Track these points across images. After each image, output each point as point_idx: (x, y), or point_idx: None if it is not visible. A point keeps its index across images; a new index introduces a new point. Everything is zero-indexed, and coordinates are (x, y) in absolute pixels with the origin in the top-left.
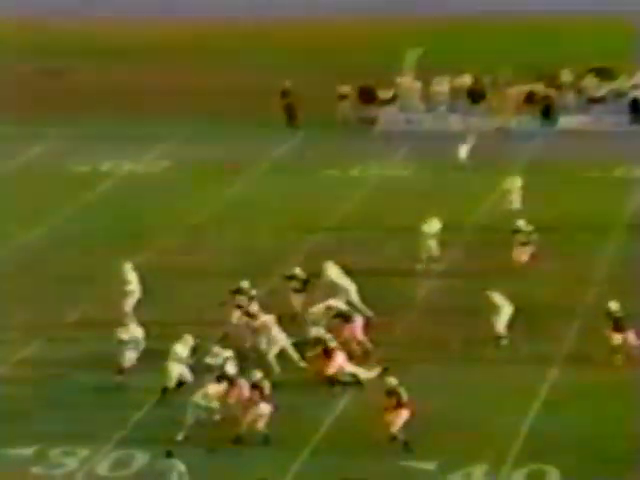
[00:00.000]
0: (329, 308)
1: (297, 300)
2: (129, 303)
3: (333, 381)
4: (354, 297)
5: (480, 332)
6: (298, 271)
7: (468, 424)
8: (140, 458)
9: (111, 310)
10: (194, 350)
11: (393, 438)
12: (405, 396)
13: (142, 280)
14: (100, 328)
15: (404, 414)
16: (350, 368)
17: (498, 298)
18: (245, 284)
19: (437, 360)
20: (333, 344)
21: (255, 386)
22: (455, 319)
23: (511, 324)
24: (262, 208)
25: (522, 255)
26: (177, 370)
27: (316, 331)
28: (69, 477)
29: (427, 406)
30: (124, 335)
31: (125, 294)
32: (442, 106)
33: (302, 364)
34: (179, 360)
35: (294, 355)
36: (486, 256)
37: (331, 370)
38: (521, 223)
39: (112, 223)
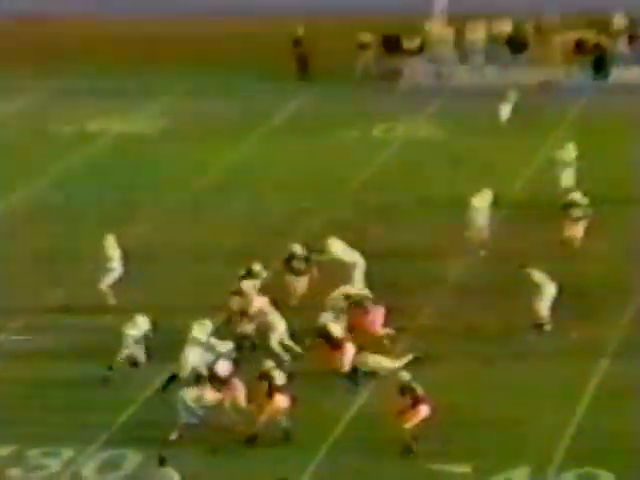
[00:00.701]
0: (347, 296)
1: (298, 284)
2: (107, 281)
3: (352, 377)
4: (359, 275)
5: (520, 318)
6: (298, 249)
7: (507, 422)
8: (132, 459)
9: (99, 293)
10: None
11: (414, 438)
12: (421, 391)
13: (134, 257)
14: (86, 313)
15: (423, 411)
16: (373, 359)
17: (539, 277)
18: (257, 267)
19: (470, 349)
20: (341, 334)
21: (264, 377)
22: (492, 303)
23: (556, 308)
24: (271, 175)
25: (575, 231)
26: (194, 358)
27: (325, 318)
28: None
29: (460, 401)
30: (132, 331)
31: (104, 271)
32: (478, 57)
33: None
34: (197, 345)
35: (292, 345)
36: (529, 232)
37: (346, 366)
38: (576, 196)
39: (100, 192)
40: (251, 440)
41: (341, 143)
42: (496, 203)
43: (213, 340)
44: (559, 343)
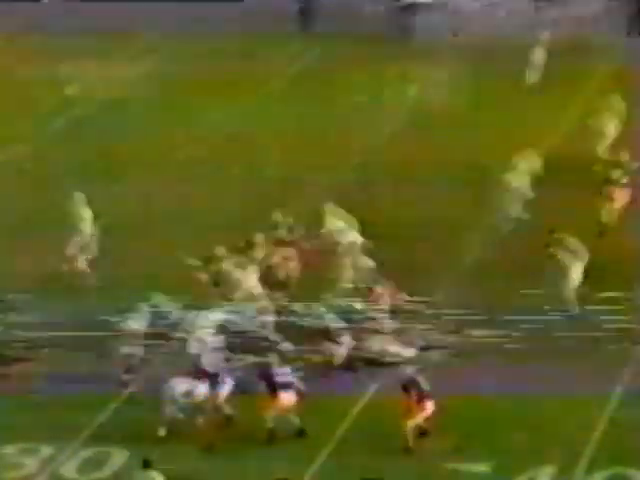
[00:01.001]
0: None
1: (283, 255)
2: (75, 244)
3: (351, 367)
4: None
5: (546, 298)
6: (279, 217)
7: (531, 416)
8: (116, 458)
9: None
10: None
11: (422, 433)
12: (426, 386)
13: (118, 225)
14: (64, 289)
15: (428, 408)
16: (379, 344)
17: (565, 256)
18: (279, 216)
19: (489, 335)
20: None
21: (264, 375)
22: (514, 280)
23: (586, 286)
24: (270, 141)
25: (619, 198)
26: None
27: (330, 320)
28: None
29: (477, 396)
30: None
31: (73, 234)
32: (499, 9)
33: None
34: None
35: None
36: (556, 200)
37: (338, 360)
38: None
39: (76, 152)
40: (270, 438)
41: (348, 107)
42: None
43: (205, 333)
44: (588, 329)
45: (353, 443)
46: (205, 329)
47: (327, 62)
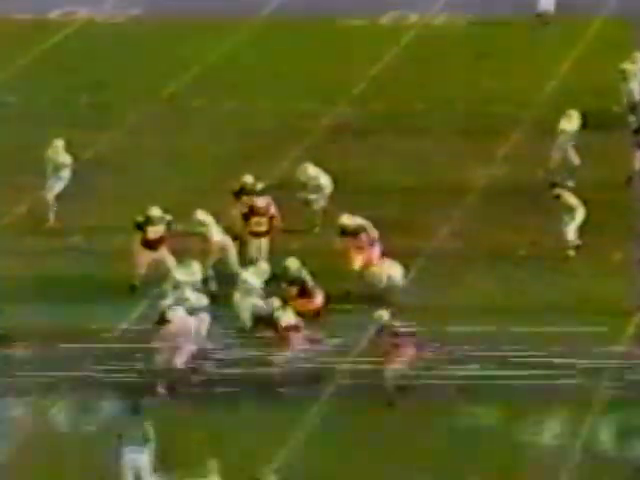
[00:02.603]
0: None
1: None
2: (52, 188)
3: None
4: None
5: (550, 237)
6: (249, 178)
7: (537, 358)
8: (106, 406)
9: (65, 211)
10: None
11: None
12: (404, 330)
13: (106, 167)
14: (49, 234)
15: (408, 352)
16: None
17: (571, 197)
18: (249, 179)
19: (494, 273)
20: (311, 283)
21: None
22: (518, 220)
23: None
24: (262, 73)
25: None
26: (250, 306)
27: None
28: (15, 429)
29: (480, 332)
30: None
31: (53, 180)
32: None
33: None
34: (250, 293)
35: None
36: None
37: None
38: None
39: (64, 91)
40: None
41: (344, 35)
42: (526, 106)
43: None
44: (594, 265)
45: (347, 395)
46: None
47: None
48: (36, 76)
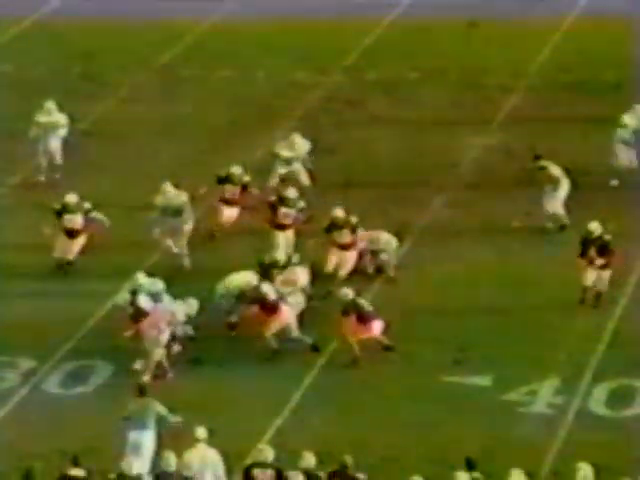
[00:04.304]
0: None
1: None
2: (47, 150)
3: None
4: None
5: (540, 207)
6: (237, 169)
7: (532, 325)
8: (101, 370)
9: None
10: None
11: (387, 348)
12: (369, 307)
13: (98, 137)
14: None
15: (375, 328)
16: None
17: (555, 170)
18: (237, 170)
19: (487, 243)
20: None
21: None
22: (510, 191)
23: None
24: (256, 39)
25: None
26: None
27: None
28: (8, 395)
29: (474, 303)
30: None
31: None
32: None
33: None
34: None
35: None
36: (556, 108)
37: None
38: None
39: (55, 59)
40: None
41: (336, 4)
42: (523, 75)
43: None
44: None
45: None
46: None
47: None
48: (29, 46)
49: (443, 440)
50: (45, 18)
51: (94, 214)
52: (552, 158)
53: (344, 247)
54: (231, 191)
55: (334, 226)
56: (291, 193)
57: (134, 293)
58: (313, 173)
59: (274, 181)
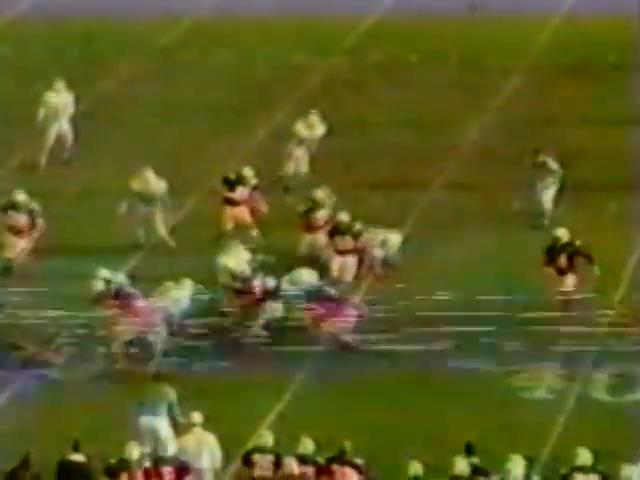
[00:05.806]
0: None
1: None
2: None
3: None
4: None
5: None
6: (247, 171)
7: (532, 310)
8: (101, 356)
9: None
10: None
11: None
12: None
13: (97, 118)
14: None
15: (349, 315)
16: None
17: (554, 164)
18: (248, 172)
19: (489, 227)
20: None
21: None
22: (511, 174)
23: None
24: (256, 22)
25: None
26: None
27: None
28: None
29: (476, 286)
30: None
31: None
32: None
33: None
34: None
35: None
36: (556, 90)
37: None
38: None
39: (54, 42)
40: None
41: None
42: (523, 56)
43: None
44: (590, 218)
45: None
46: None
47: None
48: (27, 28)
49: (443, 425)
50: (43, 1)
51: (38, 219)
52: (552, 142)
53: (344, 253)
54: (241, 192)
55: (337, 231)
56: (319, 194)
57: (108, 282)
58: (314, 158)
59: (290, 162)
